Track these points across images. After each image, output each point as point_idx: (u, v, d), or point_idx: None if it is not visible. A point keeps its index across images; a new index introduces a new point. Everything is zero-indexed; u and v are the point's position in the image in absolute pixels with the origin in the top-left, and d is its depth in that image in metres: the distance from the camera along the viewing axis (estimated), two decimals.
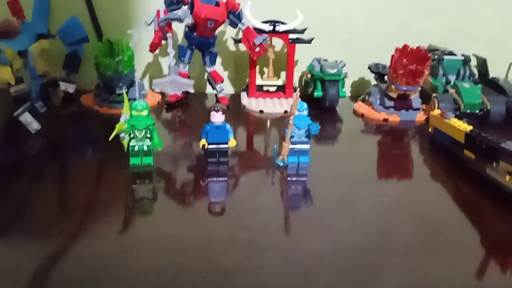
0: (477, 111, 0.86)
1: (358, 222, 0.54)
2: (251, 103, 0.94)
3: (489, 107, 0.84)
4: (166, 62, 0.95)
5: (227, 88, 1.02)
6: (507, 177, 0.55)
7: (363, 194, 0.61)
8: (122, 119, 0.61)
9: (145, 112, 0.61)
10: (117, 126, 0.60)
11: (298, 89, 0.63)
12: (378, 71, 0.96)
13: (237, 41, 0.93)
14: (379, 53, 0.95)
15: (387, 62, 0.91)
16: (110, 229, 0.50)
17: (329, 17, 1.02)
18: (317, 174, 0.65)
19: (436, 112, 0.75)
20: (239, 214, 0.55)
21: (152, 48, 0.93)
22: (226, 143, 0.64)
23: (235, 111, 0.92)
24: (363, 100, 0.95)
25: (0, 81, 0.74)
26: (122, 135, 0.61)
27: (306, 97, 0.93)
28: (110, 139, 0.60)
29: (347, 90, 1.02)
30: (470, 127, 0.65)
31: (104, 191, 0.59)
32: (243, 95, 0.98)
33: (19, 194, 0.58)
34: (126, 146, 0.62)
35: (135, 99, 0.84)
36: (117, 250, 0.47)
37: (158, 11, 0.89)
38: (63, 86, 0.91)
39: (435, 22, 1.04)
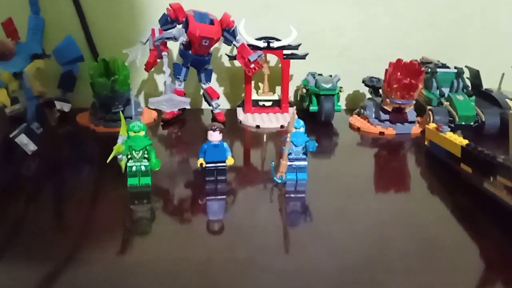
0: (472, 123, 0.86)
1: (356, 237, 0.54)
2: (247, 118, 0.94)
3: (483, 119, 0.85)
4: (162, 80, 0.96)
5: (223, 104, 1.02)
6: (504, 192, 0.55)
7: (361, 208, 0.61)
8: (119, 140, 0.61)
9: (142, 133, 0.61)
10: (115, 148, 0.60)
11: (294, 107, 0.63)
12: (372, 85, 0.96)
13: (232, 58, 0.94)
14: (373, 66, 0.96)
15: (381, 75, 0.92)
16: (108, 253, 0.50)
17: (322, 32, 1.03)
18: (315, 189, 0.65)
19: (432, 125, 0.76)
20: (238, 233, 0.55)
21: (148, 67, 0.93)
22: (224, 162, 0.64)
23: (231, 126, 0.92)
24: (358, 114, 0.96)
25: None
26: (119, 156, 0.61)
27: (301, 111, 0.94)
28: (108, 161, 0.60)
29: (342, 103, 1.03)
30: (466, 141, 0.65)
31: (101, 213, 0.59)
32: (239, 110, 0.98)
33: (15, 216, 0.58)
34: (124, 167, 0.62)
35: (131, 117, 0.85)
36: (115, 274, 0.47)
37: (153, 30, 0.89)
38: (58, 105, 0.91)
39: (427, 35, 1.05)
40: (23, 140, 0.72)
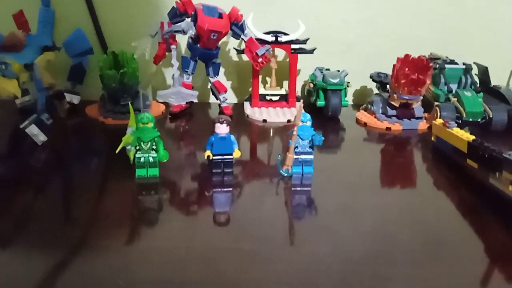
0: (479, 120, 0.86)
1: (361, 231, 0.54)
2: (254, 112, 0.95)
3: (491, 116, 0.85)
4: (170, 73, 0.96)
5: (230, 98, 1.03)
6: (510, 187, 0.56)
7: (367, 203, 0.61)
8: (128, 131, 0.62)
9: (150, 124, 0.62)
10: (124, 139, 0.60)
11: (301, 100, 0.63)
12: (380, 80, 0.96)
13: (240, 52, 0.94)
14: (380, 62, 0.96)
15: (387, 70, 0.92)
16: (116, 242, 0.51)
17: (329, 28, 1.03)
18: (321, 183, 0.65)
19: (439, 121, 0.76)
20: (244, 225, 0.55)
21: (156, 60, 0.94)
22: (231, 154, 0.65)
23: (238, 120, 0.93)
24: (365, 109, 0.96)
25: (6, 94, 0.75)
26: (128, 147, 0.62)
27: (309, 106, 0.94)
28: (117, 151, 0.60)
29: (349, 98, 1.03)
30: (472, 137, 0.65)
31: (110, 203, 0.60)
32: (247, 104, 0.99)
33: (25, 205, 0.59)
34: (132, 158, 0.63)
35: (139, 110, 0.86)
36: (122, 263, 0.47)
37: (162, 23, 0.90)
38: (68, 97, 0.92)
39: (433, 31, 1.05)
40: (33, 130, 0.73)
